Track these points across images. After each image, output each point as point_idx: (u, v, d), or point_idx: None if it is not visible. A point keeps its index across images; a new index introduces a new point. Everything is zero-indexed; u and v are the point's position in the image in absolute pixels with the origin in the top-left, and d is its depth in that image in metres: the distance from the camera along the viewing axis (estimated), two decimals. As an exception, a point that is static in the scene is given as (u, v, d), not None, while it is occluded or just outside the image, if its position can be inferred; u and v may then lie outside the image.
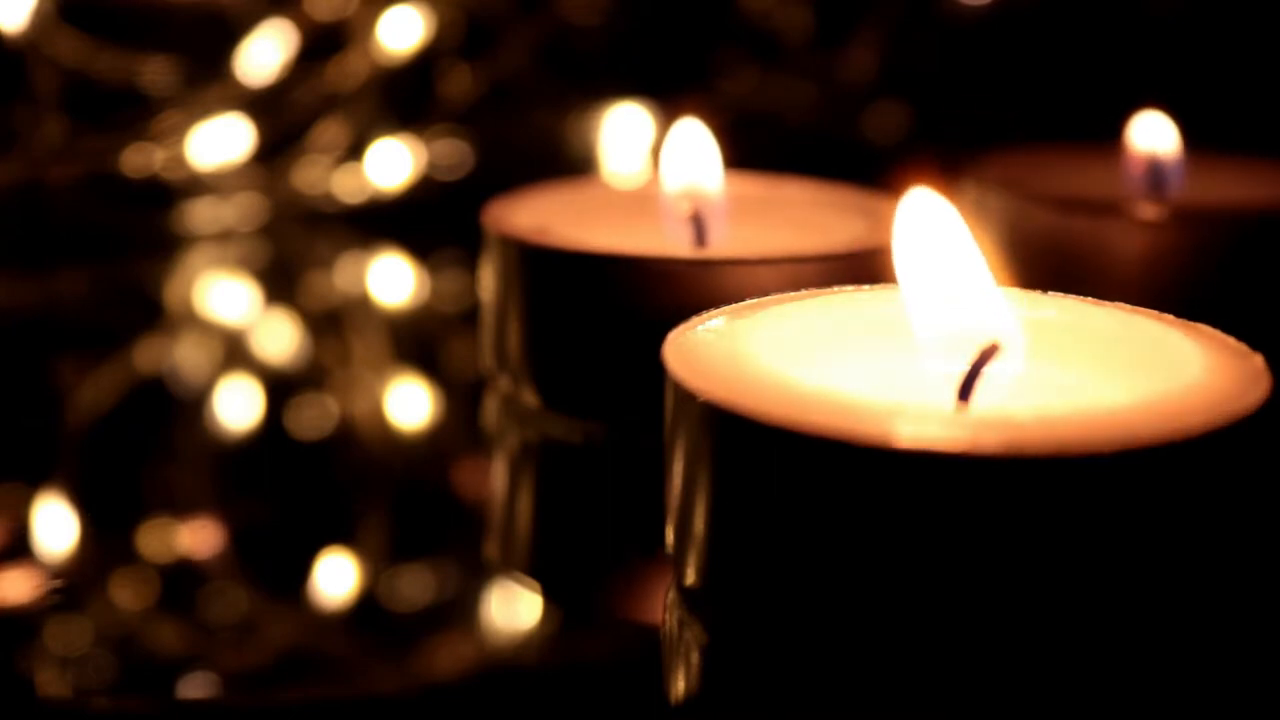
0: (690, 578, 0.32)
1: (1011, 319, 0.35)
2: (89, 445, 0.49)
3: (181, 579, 0.40)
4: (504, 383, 0.47)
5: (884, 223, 0.47)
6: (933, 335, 0.35)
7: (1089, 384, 0.35)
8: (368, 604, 0.39)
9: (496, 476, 0.46)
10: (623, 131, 0.80)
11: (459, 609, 0.39)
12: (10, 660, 0.35)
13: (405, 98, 0.76)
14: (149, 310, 0.64)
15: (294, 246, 0.72)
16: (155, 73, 0.72)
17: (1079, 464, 0.28)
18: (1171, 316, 0.35)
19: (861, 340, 0.36)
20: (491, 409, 0.48)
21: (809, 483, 0.29)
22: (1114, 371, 0.35)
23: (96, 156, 0.70)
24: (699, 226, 0.48)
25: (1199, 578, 0.30)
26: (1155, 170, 0.57)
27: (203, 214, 0.72)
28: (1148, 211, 0.53)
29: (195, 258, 0.70)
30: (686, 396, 0.31)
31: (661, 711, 0.32)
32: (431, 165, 0.77)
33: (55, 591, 0.39)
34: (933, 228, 0.35)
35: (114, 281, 0.67)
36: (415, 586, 0.40)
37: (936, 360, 0.35)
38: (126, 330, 0.60)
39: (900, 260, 0.35)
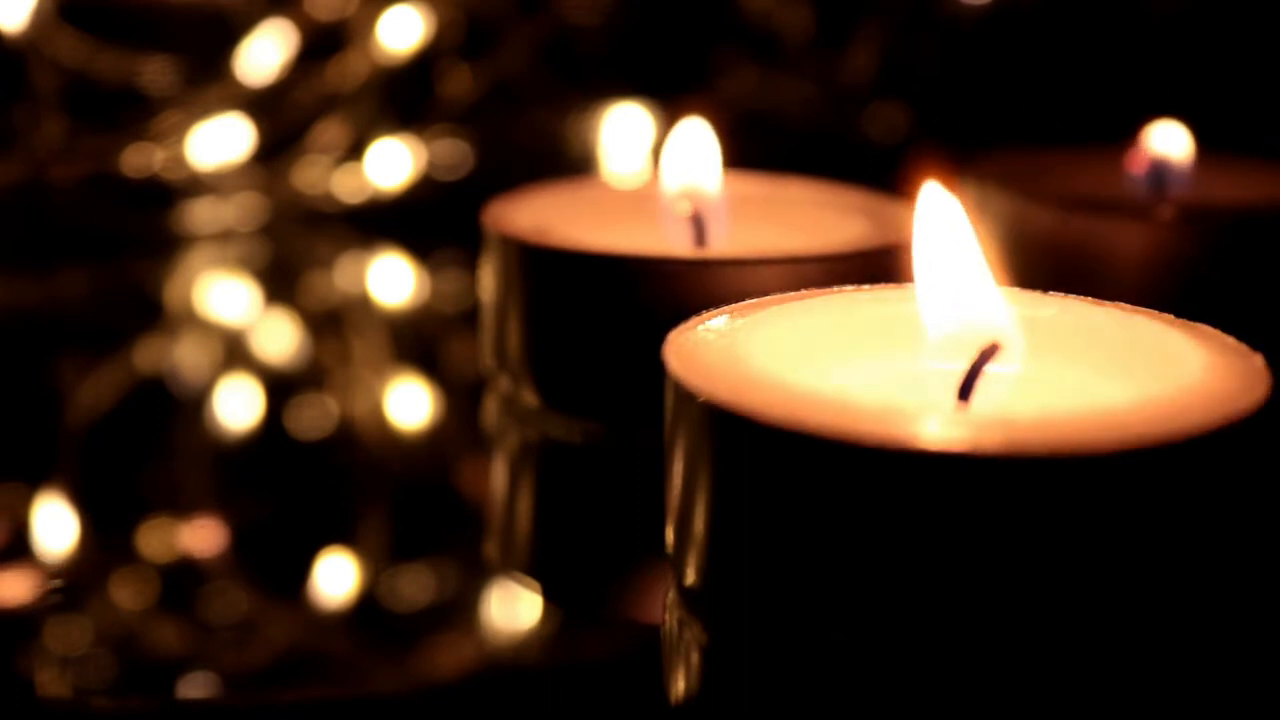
0: (690, 578, 0.32)
1: (1012, 319, 0.35)
2: (89, 445, 0.49)
3: (181, 579, 0.40)
4: (504, 383, 0.47)
5: (884, 223, 0.47)
6: (937, 334, 0.35)
7: (1089, 384, 0.35)
8: (368, 604, 0.39)
9: (496, 476, 0.46)
10: (623, 131, 0.80)
11: (459, 609, 0.39)
12: (10, 660, 0.35)
13: (405, 98, 0.76)
14: (149, 310, 0.64)
15: (294, 246, 0.73)
16: (155, 73, 0.72)
17: (1079, 464, 0.28)
18: (1171, 316, 0.35)
19: (861, 340, 0.36)
20: (491, 409, 0.48)
21: (809, 483, 0.29)
22: (1114, 371, 0.35)
23: (96, 156, 0.70)
24: (699, 226, 0.48)
25: (1199, 578, 0.30)
26: (1154, 170, 0.57)
27: (203, 214, 0.72)
28: (1148, 211, 0.53)
29: (195, 258, 0.70)
30: (686, 396, 0.31)
31: (661, 711, 0.32)
32: (431, 165, 0.77)
33: (55, 591, 0.39)
34: (943, 225, 0.35)
35: (114, 281, 0.67)
36: (415, 586, 0.40)
37: (937, 360, 0.35)
38: (126, 330, 0.60)
39: (915, 257, 0.35)
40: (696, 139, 0.49)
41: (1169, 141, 0.56)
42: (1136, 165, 0.57)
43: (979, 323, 0.35)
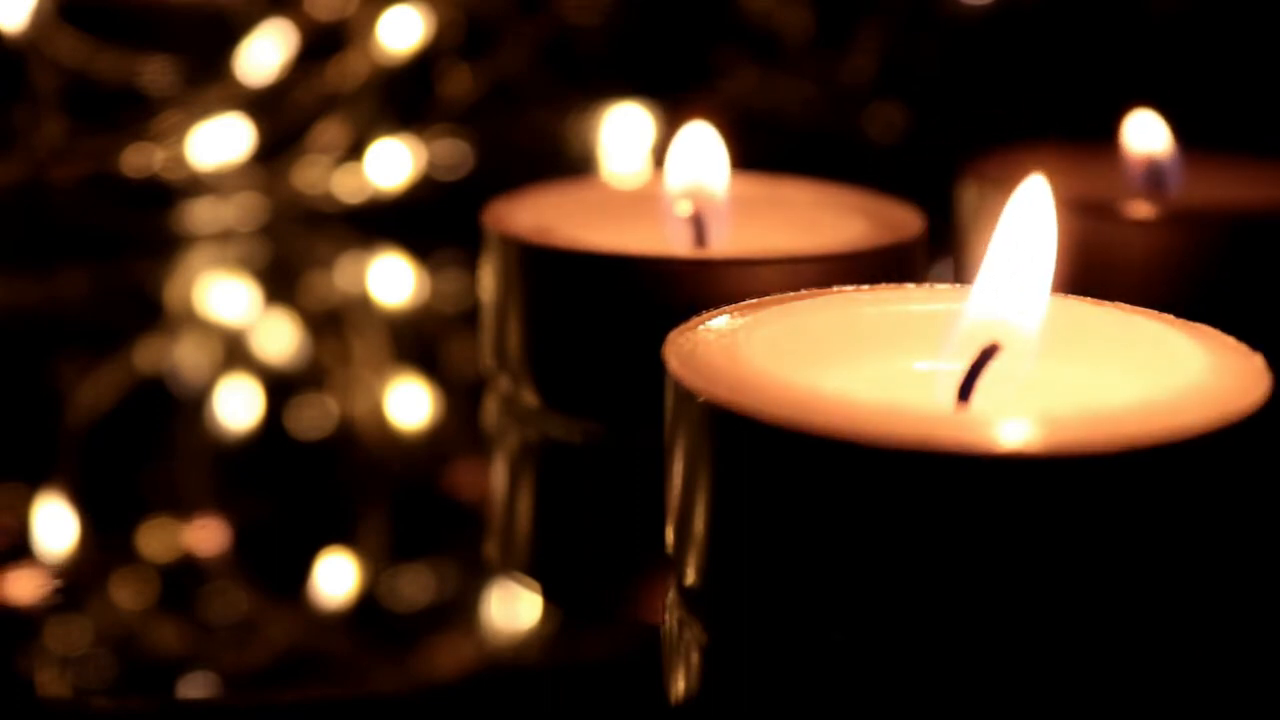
0: (690, 578, 0.32)
1: (1021, 320, 0.35)
2: (89, 445, 0.49)
3: (181, 579, 0.40)
4: (504, 383, 0.47)
5: (884, 223, 0.47)
6: (946, 332, 0.35)
7: (1089, 384, 0.35)
8: (368, 604, 0.39)
9: (496, 476, 0.46)
10: (623, 131, 0.80)
11: (459, 609, 0.39)
12: (10, 660, 0.35)
13: (405, 98, 0.76)
14: (149, 310, 0.64)
15: (294, 246, 0.72)
16: (155, 73, 0.72)
17: (1079, 464, 0.28)
18: (1171, 316, 0.35)
19: (861, 340, 0.36)
20: (491, 409, 0.48)
21: (809, 483, 0.29)
22: (1114, 371, 0.35)
23: (96, 156, 0.70)
24: (699, 226, 0.48)
25: (1199, 578, 0.30)
26: (1154, 170, 0.57)
27: (203, 214, 0.72)
28: (1148, 211, 0.53)
29: (195, 258, 0.70)
30: (686, 396, 0.31)
31: (661, 711, 0.32)
32: (431, 165, 0.77)
33: (55, 591, 0.39)
34: (1027, 218, 0.35)
35: (114, 281, 0.67)
36: (415, 586, 0.40)
37: (937, 360, 0.35)
38: (126, 330, 0.60)
39: (992, 242, 0.35)
40: (702, 141, 0.49)
41: (1149, 134, 0.56)
42: (1133, 165, 0.57)
43: (980, 321, 0.35)
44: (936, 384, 0.35)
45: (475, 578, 0.40)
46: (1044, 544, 0.28)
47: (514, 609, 0.38)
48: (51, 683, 0.35)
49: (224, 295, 0.67)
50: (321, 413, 0.53)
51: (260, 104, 0.73)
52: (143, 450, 0.48)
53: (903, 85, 0.86)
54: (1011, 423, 0.29)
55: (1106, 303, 0.36)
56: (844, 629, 0.29)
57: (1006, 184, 0.54)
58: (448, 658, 0.37)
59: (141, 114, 0.71)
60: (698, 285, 0.42)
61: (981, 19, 0.87)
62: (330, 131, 0.74)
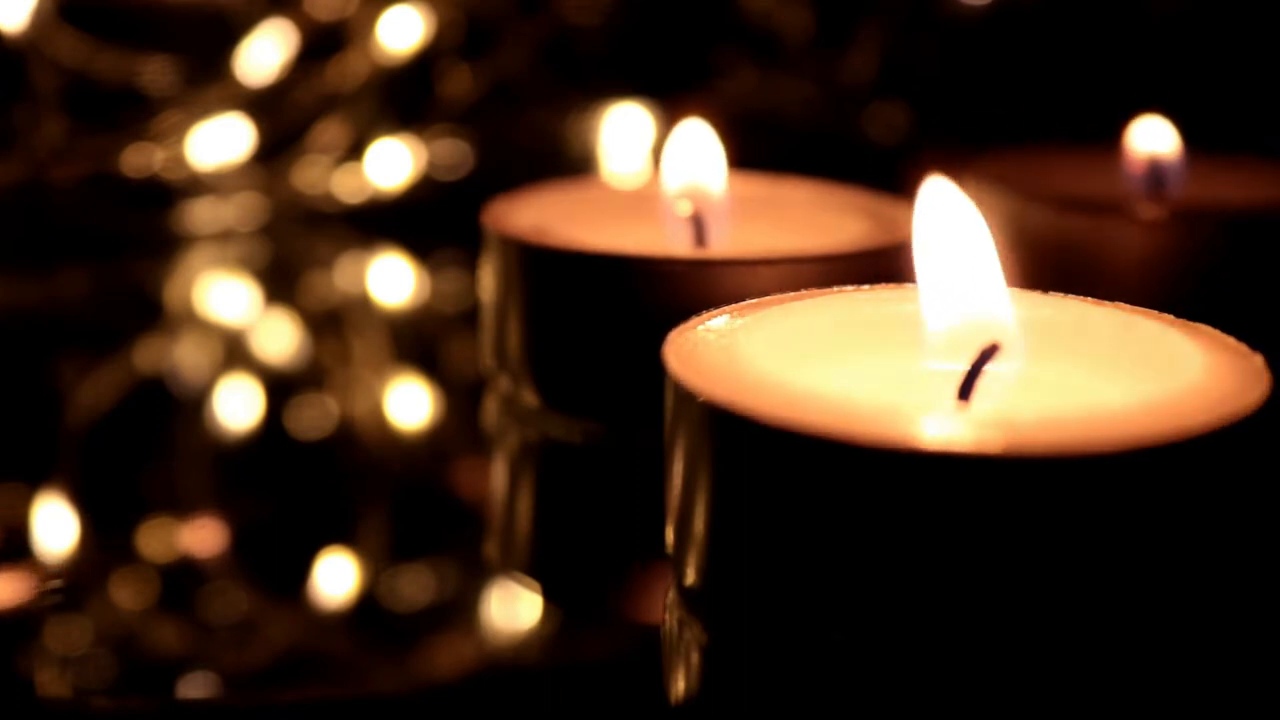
0: (690, 578, 0.32)
1: (1012, 316, 0.35)
2: (89, 445, 0.49)
3: (181, 579, 0.40)
4: (504, 383, 0.47)
5: (884, 223, 0.47)
6: (937, 332, 0.35)
7: (1089, 384, 0.35)
8: (368, 604, 0.39)
9: (496, 476, 0.46)
10: (623, 131, 0.80)
11: (459, 609, 0.39)
12: (10, 660, 0.35)
13: (405, 98, 0.76)
14: (149, 310, 0.64)
15: (294, 246, 0.73)
16: (155, 73, 0.72)
17: (1079, 464, 0.28)
18: (1171, 316, 0.35)
19: (861, 340, 0.36)
20: (491, 409, 0.48)
21: (809, 483, 0.29)
22: (1114, 371, 0.35)
23: (96, 156, 0.70)
24: (699, 226, 0.48)
25: (1199, 578, 0.30)
26: (1155, 170, 0.57)
27: (203, 214, 0.72)
28: (1148, 211, 0.53)
29: (195, 258, 0.70)
30: (686, 396, 0.31)
31: (661, 711, 0.32)
32: (431, 165, 0.77)
33: (55, 591, 0.39)
34: (948, 220, 0.35)
35: (114, 281, 0.67)
36: (415, 586, 0.40)
37: (937, 360, 0.35)
38: (126, 330, 0.60)
39: (917, 252, 0.36)
40: (697, 139, 0.49)
41: (1156, 138, 0.57)
42: (1134, 165, 0.57)
43: (979, 321, 0.35)
44: (936, 384, 0.35)
45: (475, 578, 0.40)
46: (1044, 544, 0.28)
47: (514, 609, 0.38)
48: (51, 683, 0.35)
49: (224, 295, 0.67)
50: (321, 413, 0.53)
51: (260, 104, 0.73)
52: (143, 450, 0.48)
53: (903, 85, 0.86)
54: (1011, 423, 0.29)
55: (1106, 303, 0.36)
56: (844, 629, 0.29)
57: (1006, 184, 0.55)
58: (448, 658, 0.37)
59: (141, 114, 0.71)
60: (698, 285, 0.42)
61: (981, 19, 0.87)
62: (330, 131, 0.74)
